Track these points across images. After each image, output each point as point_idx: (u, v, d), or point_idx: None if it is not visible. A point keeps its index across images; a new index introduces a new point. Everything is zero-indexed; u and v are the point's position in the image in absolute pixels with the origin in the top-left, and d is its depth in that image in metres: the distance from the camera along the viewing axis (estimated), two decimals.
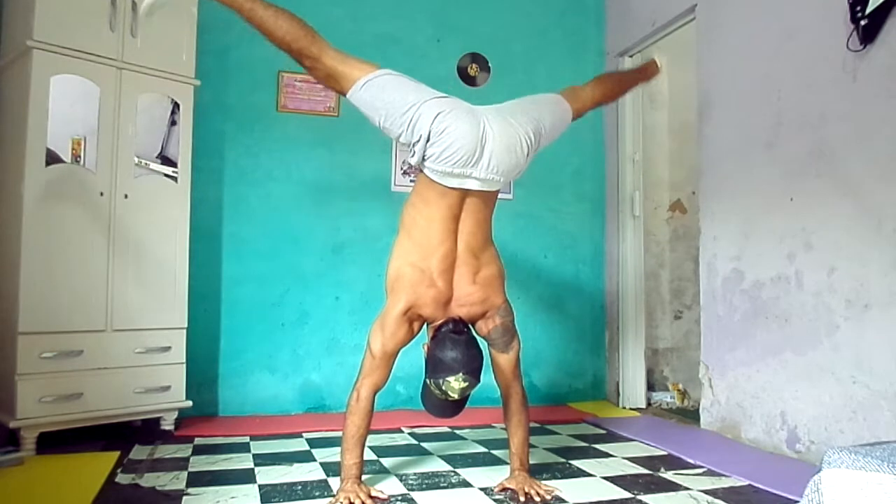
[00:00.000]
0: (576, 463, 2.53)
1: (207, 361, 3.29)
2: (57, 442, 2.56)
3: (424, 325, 2.14)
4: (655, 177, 4.15)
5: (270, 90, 3.52)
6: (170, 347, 2.84)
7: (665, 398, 3.92)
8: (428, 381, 2.06)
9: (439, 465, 2.48)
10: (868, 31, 2.35)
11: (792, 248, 2.68)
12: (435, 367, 2.00)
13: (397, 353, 2.06)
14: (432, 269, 2.04)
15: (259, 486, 2.18)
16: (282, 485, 2.19)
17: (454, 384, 1.96)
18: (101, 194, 2.70)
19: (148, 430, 2.85)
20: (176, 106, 3.02)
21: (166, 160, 3.06)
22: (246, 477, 2.28)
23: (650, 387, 3.95)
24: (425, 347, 2.10)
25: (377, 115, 2.01)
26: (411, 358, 2.32)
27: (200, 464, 2.42)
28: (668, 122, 4.22)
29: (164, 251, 2.87)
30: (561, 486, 2.19)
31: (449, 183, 2.00)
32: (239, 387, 3.36)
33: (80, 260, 2.63)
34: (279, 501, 2.03)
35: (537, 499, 2.06)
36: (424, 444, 2.80)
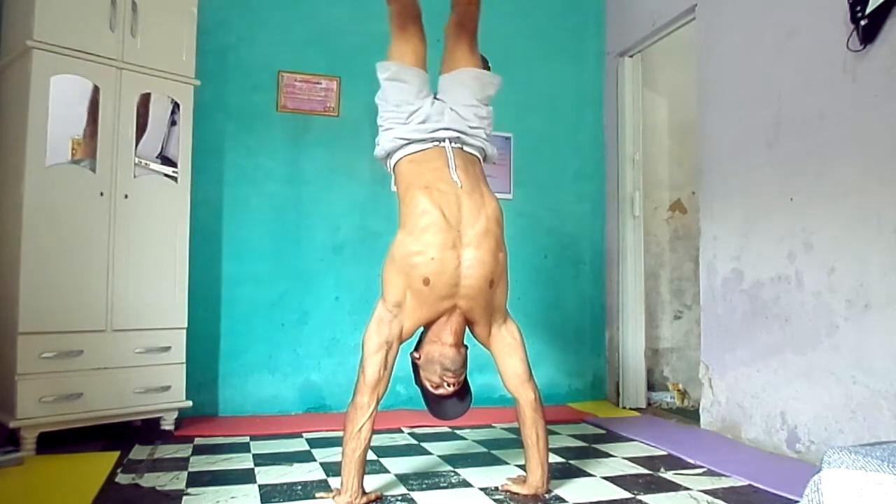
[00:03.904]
0: (576, 463, 2.53)
1: (207, 361, 3.29)
2: (57, 442, 2.56)
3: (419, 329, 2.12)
4: (655, 177, 4.15)
5: (270, 90, 3.52)
6: (170, 347, 2.84)
7: (665, 398, 3.92)
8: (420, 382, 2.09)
9: (439, 465, 2.48)
10: (868, 31, 2.35)
11: (792, 248, 2.68)
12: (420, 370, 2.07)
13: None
14: None
15: (259, 486, 2.18)
16: (282, 485, 2.20)
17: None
18: (101, 194, 2.70)
19: (148, 430, 2.85)
20: (176, 106, 3.01)
21: (166, 160, 3.05)
22: (246, 477, 2.28)
23: (650, 387, 3.94)
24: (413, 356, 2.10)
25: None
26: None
27: (200, 464, 2.43)
28: (668, 122, 4.22)
29: (164, 251, 2.87)
30: (561, 486, 2.19)
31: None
32: (239, 387, 3.36)
33: (80, 260, 2.63)
34: (279, 501, 2.03)
35: None
36: (424, 444, 2.80)
